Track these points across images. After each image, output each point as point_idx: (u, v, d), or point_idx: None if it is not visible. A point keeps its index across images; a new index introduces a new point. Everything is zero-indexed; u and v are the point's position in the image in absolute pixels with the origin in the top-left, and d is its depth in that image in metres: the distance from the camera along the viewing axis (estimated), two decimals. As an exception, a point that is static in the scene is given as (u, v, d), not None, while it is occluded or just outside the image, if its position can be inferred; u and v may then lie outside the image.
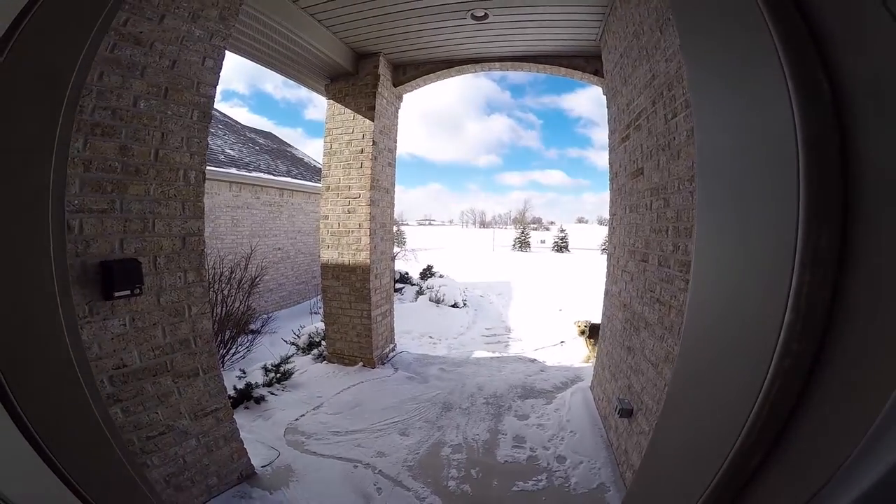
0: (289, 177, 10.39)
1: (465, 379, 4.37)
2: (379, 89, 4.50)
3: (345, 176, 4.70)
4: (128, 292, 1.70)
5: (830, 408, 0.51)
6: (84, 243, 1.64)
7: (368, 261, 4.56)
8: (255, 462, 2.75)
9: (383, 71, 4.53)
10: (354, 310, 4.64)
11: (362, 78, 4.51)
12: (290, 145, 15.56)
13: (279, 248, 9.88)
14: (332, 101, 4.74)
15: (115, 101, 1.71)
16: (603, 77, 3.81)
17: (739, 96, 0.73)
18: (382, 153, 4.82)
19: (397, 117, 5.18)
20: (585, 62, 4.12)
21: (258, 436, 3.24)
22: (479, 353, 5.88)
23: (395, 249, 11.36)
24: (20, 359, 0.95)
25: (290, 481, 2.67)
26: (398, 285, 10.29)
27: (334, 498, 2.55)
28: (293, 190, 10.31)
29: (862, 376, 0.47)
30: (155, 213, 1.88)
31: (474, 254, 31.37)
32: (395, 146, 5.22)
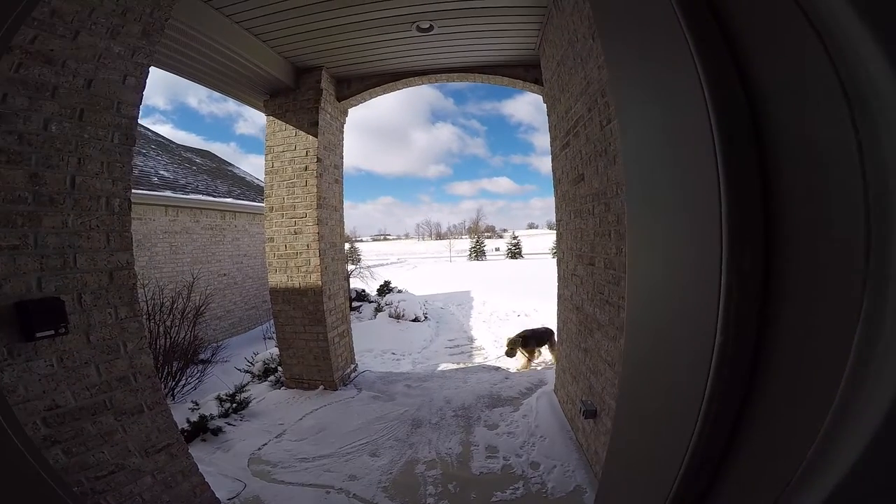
0: (230, 197, 9.87)
1: (432, 393, 4.31)
2: (322, 104, 4.39)
3: (289, 195, 4.51)
4: (52, 332, 1.52)
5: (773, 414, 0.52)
6: (-6, 283, 1.45)
7: (320, 282, 4.38)
8: (221, 495, 2.54)
9: (326, 85, 4.43)
10: (309, 333, 4.44)
11: (304, 93, 4.38)
12: (229, 164, 14.83)
13: (225, 274, 9.31)
14: (272, 118, 4.55)
15: (23, 125, 1.54)
16: (542, 85, 3.99)
17: (659, 104, 0.73)
18: (328, 170, 4.68)
19: (343, 132, 5.08)
20: (526, 71, 4.29)
21: (220, 468, 3.01)
22: (444, 366, 5.84)
23: (350, 267, 11.07)
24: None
25: (258, 515, 2.49)
26: (356, 303, 10.01)
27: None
28: (236, 211, 9.79)
29: (801, 381, 0.49)
30: (76, 247, 1.70)
31: (432, 266, 31.37)
32: (342, 162, 5.12)
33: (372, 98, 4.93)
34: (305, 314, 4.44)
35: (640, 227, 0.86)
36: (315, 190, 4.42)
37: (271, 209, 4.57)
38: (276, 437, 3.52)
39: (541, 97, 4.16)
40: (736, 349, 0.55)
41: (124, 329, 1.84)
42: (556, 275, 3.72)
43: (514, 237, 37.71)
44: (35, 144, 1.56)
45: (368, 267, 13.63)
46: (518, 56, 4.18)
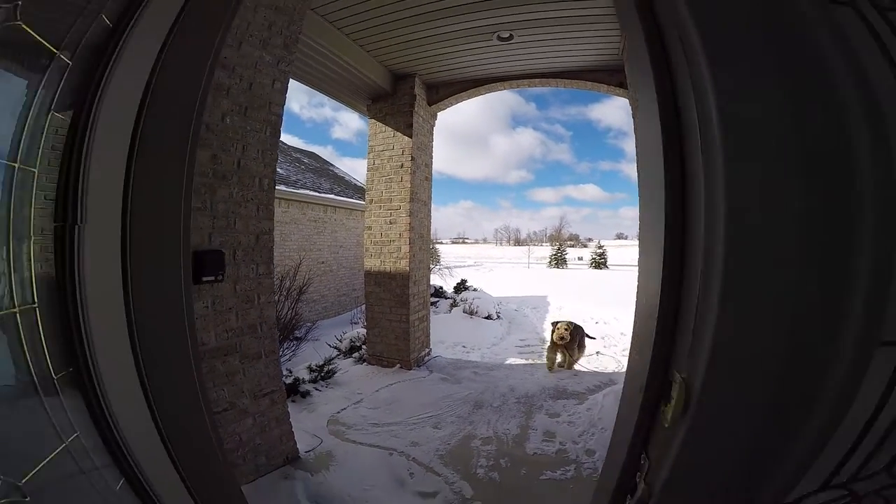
0: (332, 194, 11.09)
1: (498, 381, 4.52)
2: (415, 108, 4.89)
3: (386, 189, 5.10)
4: (213, 278, 2.06)
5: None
6: (185, 235, 2.04)
7: (408, 268, 4.90)
8: (300, 447, 3.01)
9: (419, 91, 4.91)
10: (394, 314, 4.97)
11: (400, 98, 4.92)
12: (331, 164, 16.52)
13: (323, 262, 10.48)
14: (373, 120, 5.17)
15: (208, 116, 2.08)
16: (627, 89, 3.99)
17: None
18: (420, 168, 5.19)
19: (432, 134, 5.55)
20: (609, 76, 4.31)
21: (303, 426, 3.53)
22: (512, 360, 5.99)
23: (430, 265, 11.69)
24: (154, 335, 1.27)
25: (330, 465, 2.90)
26: (433, 299, 10.55)
27: (370, 480, 2.75)
28: (336, 206, 10.97)
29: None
30: (236, 214, 2.24)
31: (509, 270, 31.20)
32: (431, 161, 5.59)
33: (458, 102, 5.34)
34: (392, 296, 5.00)
35: (644, 235, 1.02)
36: (409, 185, 4.96)
37: (371, 201, 5.21)
38: (354, 404, 4.01)
39: (627, 101, 4.15)
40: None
41: (260, 283, 2.39)
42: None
43: (600, 246, 35.83)
44: (216, 132, 2.12)
45: (448, 267, 14.18)
46: (600, 61, 4.22)
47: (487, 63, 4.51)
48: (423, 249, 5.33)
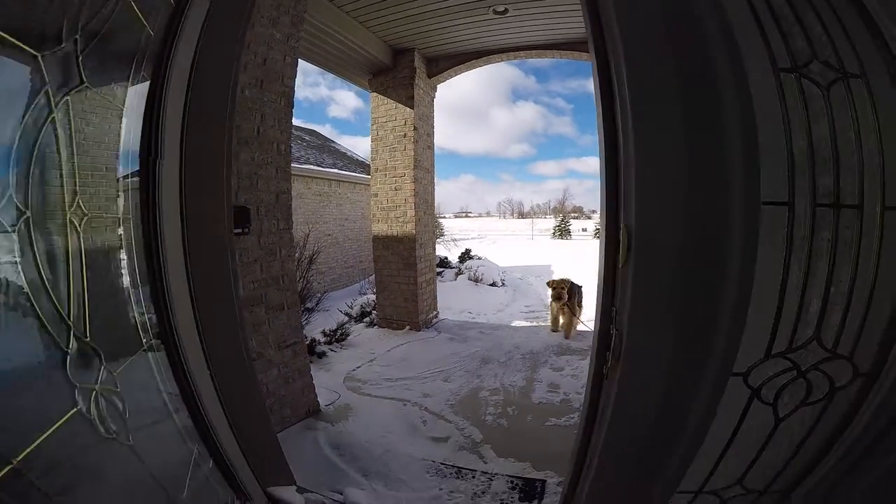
0: (335, 168, 11.11)
1: (504, 340, 4.73)
2: (416, 81, 4.98)
3: (391, 158, 5.22)
4: (240, 231, 2.22)
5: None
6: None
7: (414, 231, 5.08)
8: (320, 401, 3.23)
9: (418, 64, 5.00)
10: (402, 276, 5.16)
11: (400, 71, 5.01)
12: (332, 141, 16.42)
13: (329, 234, 10.62)
14: (375, 94, 5.28)
15: None
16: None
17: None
18: (422, 137, 5.30)
19: (433, 106, 5.65)
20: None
21: (322, 382, 3.74)
22: (518, 323, 6.19)
23: (435, 234, 11.81)
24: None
25: (349, 416, 3.11)
26: (438, 269, 10.71)
27: (387, 428, 2.96)
28: (340, 181, 11.01)
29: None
30: (258, 175, 2.43)
31: (513, 241, 31.25)
32: (433, 131, 5.70)
33: (457, 74, 5.43)
34: (400, 259, 5.19)
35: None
36: (412, 153, 5.08)
37: (376, 170, 5.34)
38: (367, 362, 4.24)
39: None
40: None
41: (281, 237, 2.58)
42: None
43: (604, 217, 35.49)
44: (236, 104, 2.23)
45: (454, 239, 14.29)
46: (595, 31, 4.19)
47: (484, 36, 4.56)
48: (429, 214, 5.47)
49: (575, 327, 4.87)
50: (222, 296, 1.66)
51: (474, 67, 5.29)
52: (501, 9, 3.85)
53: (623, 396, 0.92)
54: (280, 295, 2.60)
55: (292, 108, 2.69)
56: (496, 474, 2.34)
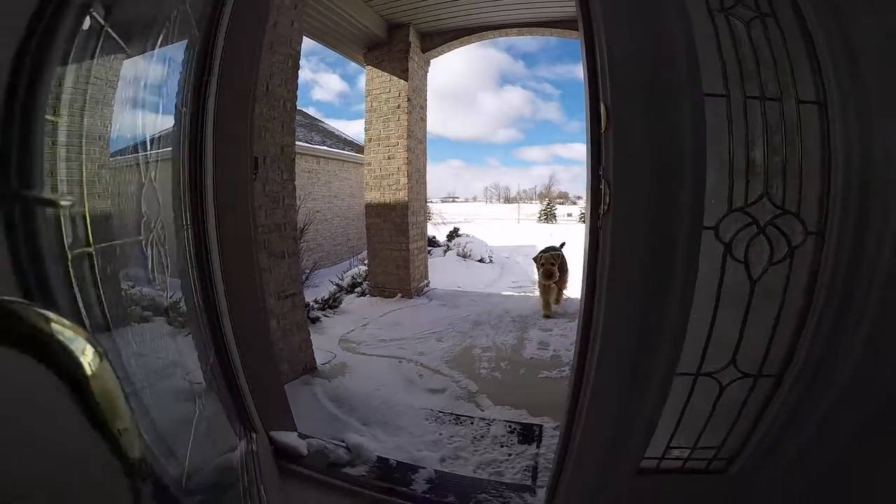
0: (324, 146, 10.94)
1: (494, 305, 4.85)
2: (410, 55, 5.01)
3: (384, 128, 5.24)
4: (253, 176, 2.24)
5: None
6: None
7: (406, 198, 5.13)
8: (316, 360, 3.30)
9: (413, 39, 5.03)
10: (394, 243, 5.22)
11: (395, 45, 5.03)
12: (320, 120, 16.10)
13: (318, 212, 10.52)
14: (369, 67, 5.29)
15: None
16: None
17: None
18: (415, 109, 5.32)
19: (426, 80, 5.66)
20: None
21: (317, 344, 3.78)
22: (508, 292, 6.33)
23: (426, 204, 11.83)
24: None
25: (345, 373, 3.17)
26: (427, 248, 10.76)
27: (383, 381, 3.04)
28: (328, 158, 10.87)
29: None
30: (266, 128, 2.51)
31: (500, 224, 31.45)
32: (426, 104, 5.72)
33: (451, 50, 5.47)
34: (393, 226, 5.25)
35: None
36: (406, 124, 5.11)
37: (370, 140, 5.35)
38: (361, 326, 4.30)
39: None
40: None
41: (284, 187, 2.64)
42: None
43: (589, 203, 35.94)
44: (261, 63, 2.27)
45: (443, 221, 14.30)
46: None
47: (479, 12, 4.60)
48: (420, 183, 5.51)
49: (560, 302, 4.68)
50: (243, 234, 1.72)
51: (468, 43, 5.35)
52: None
53: (616, 255, 1.01)
54: (282, 242, 2.64)
55: (298, 70, 2.79)
56: (494, 420, 2.44)
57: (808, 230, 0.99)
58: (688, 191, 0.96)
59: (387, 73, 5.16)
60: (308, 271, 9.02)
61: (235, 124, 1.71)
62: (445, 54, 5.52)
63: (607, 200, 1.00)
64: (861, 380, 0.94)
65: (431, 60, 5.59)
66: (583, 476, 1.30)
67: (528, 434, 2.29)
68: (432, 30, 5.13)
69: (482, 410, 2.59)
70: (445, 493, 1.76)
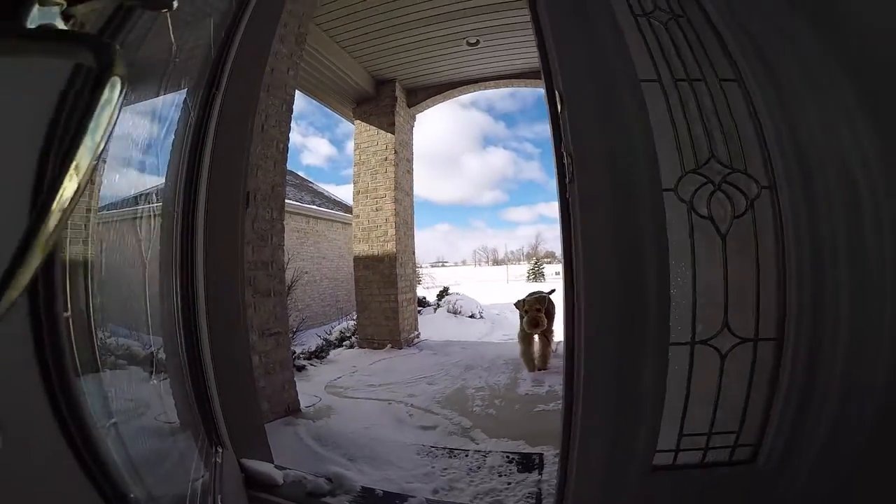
0: (314, 205, 11.26)
1: (486, 352, 4.75)
2: (397, 108, 5.38)
3: (372, 180, 5.46)
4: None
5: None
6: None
7: (395, 250, 5.18)
8: (301, 401, 3.13)
9: (399, 94, 5.43)
10: (383, 295, 5.17)
11: (382, 100, 5.41)
12: (311, 181, 16.72)
13: (306, 272, 10.50)
14: (358, 121, 5.63)
15: None
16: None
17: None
18: (402, 162, 5.60)
19: (412, 134, 6.03)
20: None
21: (301, 390, 3.61)
22: (499, 341, 6.22)
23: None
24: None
25: (331, 414, 2.99)
26: (418, 308, 10.67)
27: (371, 421, 2.89)
28: (318, 217, 11.12)
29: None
30: (258, 166, 2.60)
31: (490, 285, 31.56)
32: (412, 157, 6.03)
33: (435, 104, 5.88)
34: (381, 277, 5.24)
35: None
36: (393, 175, 5.35)
37: (358, 192, 5.54)
38: (349, 374, 4.14)
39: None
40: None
41: (273, 226, 2.68)
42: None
43: (576, 262, 36.56)
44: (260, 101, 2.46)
45: (431, 276, 14.34)
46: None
47: (458, 67, 5.09)
48: (408, 235, 5.61)
49: (551, 355, 3.90)
50: (230, 266, 1.76)
51: (450, 98, 5.80)
52: (474, 41, 4.36)
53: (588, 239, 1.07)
54: (268, 280, 2.63)
55: (291, 113, 2.98)
56: (490, 451, 2.30)
57: (760, 185, 1.09)
58: (641, 161, 1.08)
59: (374, 127, 5.48)
60: (295, 329, 8.82)
61: (233, 158, 1.82)
62: (430, 113, 5.97)
63: (571, 171, 1.10)
64: (863, 315, 0.97)
65: (417, 116, 5.99)
66: (590, 480, 1.20)
67: (528, 463, 2.16)
68: (417, 85, 5.57)
69: (477, 444, 2.45)
70: (439, 520, 1.62)
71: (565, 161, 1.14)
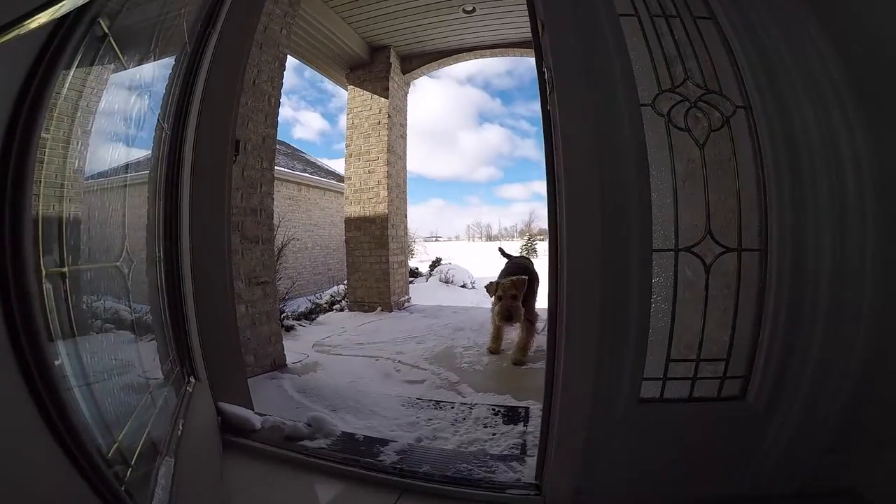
0: (305, 173, 11.01)
1: (476, 315, 4.72)
2: (391, 74, 5.22)
3: (365, 143, 5.32)
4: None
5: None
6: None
7: (386, 211, 5.10)
8: (288, 360, 3.09)
9: (393, 60, 5.27)
10: (374, 256, 5.13)
11: (377, 66, 5.25)
12: (302, 151, 16.34)
13: (297, 240, 10.37)
14: (352, 87, 5.47)
15: None
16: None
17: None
18: (396, 126, 5.45)
19: (406, 100, 5.86)
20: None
21: (289, 348, 3.59)
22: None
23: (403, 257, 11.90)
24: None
25: (318, 369, 2.96)
26: (409, 277, 10.67)
27: (357, 375, 2.87)
28: (309, 185, 10.91)
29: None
30: (249, 118, 2.59)
31: (483, 259, 31.72)
32: (406, 122, 5.87)
33: (429, 71, 5.71)
34: (372, 238, 5.18)
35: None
36: (386, 139, 5.21)
37: (350, 155, 5.41)
38: (338, 333, 4.12)
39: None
40: None
41: (263, 175, 2.67)
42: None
43: (570, 239, 36.62)
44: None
45: (426, 250, 14.30)
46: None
47: (454, 35, 4.89)
48: (400, 198, 5.51)
49: (532, 345, 3.07)
50: (217, 211, 1.70)
51: (445, 66, 5.63)
52: (470, 7, 4.19)
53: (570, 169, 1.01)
54: (256, 228, 2.58)
55: (284, 70, 2.94)
56: (476, 404, 2.29)
57: (735, 105, 1.09)
58: (619, 77, 1.07)
59: (368, 92, 5.32)
60: (285, 295, 8.78)
61: (221, 114, 1.79)
62: (426, 89, 6.25)
63: (551, 82, 1.07)
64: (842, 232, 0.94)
65: (411, 83, 5.80)
66: (575, 417, 1.15)
67: (514, 415, 2.15)
68: (411, 52, 5.38)
69: (464, 397, 2.44)
70: (420, 463, 1.59)
71: (546, 77, 1.12)
